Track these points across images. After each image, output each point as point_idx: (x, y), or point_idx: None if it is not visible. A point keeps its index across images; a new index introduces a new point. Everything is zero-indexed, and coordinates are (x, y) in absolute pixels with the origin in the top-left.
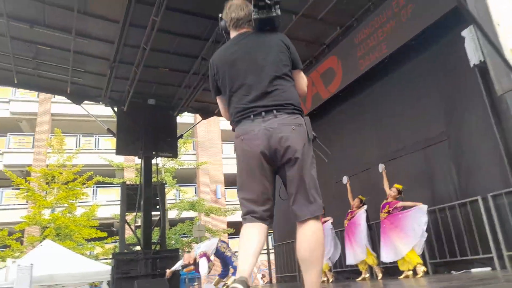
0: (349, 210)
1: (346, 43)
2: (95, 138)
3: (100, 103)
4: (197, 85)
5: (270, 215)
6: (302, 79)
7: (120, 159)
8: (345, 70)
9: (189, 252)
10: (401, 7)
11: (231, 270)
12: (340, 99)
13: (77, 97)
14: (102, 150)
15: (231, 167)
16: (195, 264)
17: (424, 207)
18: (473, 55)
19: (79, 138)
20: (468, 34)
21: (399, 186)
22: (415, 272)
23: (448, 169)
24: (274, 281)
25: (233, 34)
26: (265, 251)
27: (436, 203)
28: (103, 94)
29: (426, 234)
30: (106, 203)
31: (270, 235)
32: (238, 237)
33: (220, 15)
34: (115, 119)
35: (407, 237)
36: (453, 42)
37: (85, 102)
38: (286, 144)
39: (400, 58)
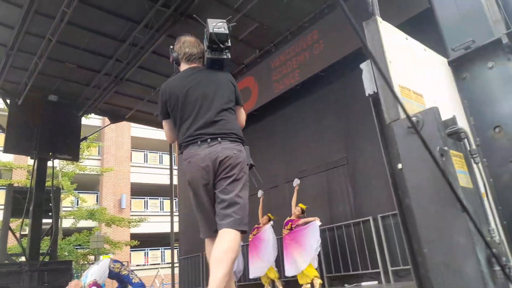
0: (256, 225)
1: (264, 66)
2: None
3: None
4: (108, 87)
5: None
6: (243, 114)
7: (9, 158)
8: (261, 91)
9: (84, 265)
10: (314, 41)
11: None
12: (254, 118)
13: None
14: None
15: (139, 176)
16: None
17: (318, 223)
18: (369, 86)
19: None
20: (366, 67)
21: (303, 206)
22: (312, 285)
23: (346, 191)
24: None
25: (184, 66)
26: (169, 265)
27: (334, 221)
28: None
29: (319, 249)
30: None
31: (176, 248)
32: (143, 250)
33: (171, 46)
34: (6, 113)
35: (306, 252)
36: (357, 76)
37: None
38: (227, 163)
39: (311, 86)
